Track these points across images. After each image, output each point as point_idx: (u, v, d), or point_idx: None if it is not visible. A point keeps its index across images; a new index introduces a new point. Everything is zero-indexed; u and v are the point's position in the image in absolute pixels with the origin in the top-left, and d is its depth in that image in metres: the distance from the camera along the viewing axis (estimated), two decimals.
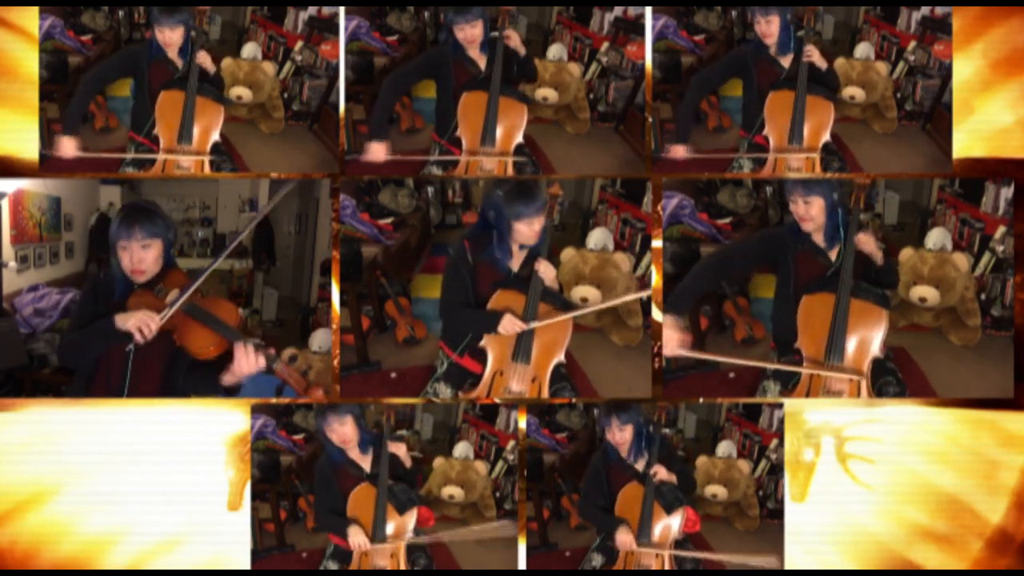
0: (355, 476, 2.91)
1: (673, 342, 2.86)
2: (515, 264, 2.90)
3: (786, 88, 2.99)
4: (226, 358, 2.72)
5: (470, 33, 2.98)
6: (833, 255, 2.86)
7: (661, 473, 2.90)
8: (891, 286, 2.88)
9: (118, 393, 2.77)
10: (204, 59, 3.00)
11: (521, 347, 2.85)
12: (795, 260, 2.87)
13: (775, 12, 2.97)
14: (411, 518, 2.91)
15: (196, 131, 2.99)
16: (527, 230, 2.84)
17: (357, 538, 2.88)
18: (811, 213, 2.84)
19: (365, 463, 2.92)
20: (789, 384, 2.86)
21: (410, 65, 3.01)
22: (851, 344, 2.82)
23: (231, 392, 2.74)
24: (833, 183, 2.85)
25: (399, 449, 2.92)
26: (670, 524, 2.90)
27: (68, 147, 2.96)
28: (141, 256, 2.78)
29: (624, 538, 2.90)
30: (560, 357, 2.87)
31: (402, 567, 2.89)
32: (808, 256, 2.87)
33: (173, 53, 3.01)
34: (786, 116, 2.98)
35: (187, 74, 3.00)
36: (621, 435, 2.91)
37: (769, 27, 2.98)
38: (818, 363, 2.84)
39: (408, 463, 2.93)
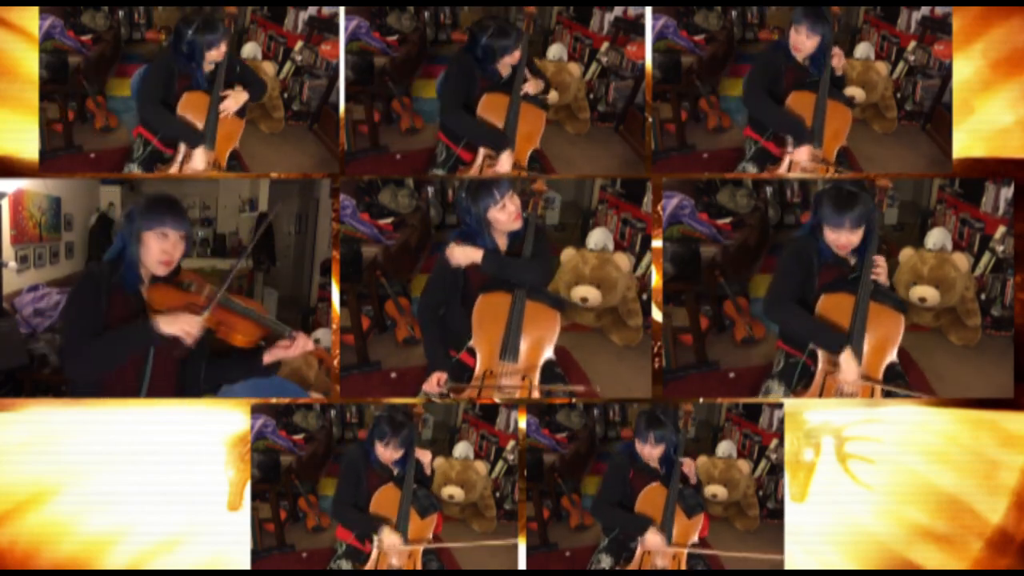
0: (382, 476, 2.92)
1: (852, 374, 2.80)
2: None
3: (808, 90, 2.97)
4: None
5: (508, 61, 2.97)
6: (852, 260, 2.83)
7: (688, 466, 2.91)
8: None
9: (135, 393, 2.73)
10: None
11: (508, 345, 2.85)
12: (820, 269, 2.83)
13: (819, 31, 2.93)
14: (432, 523, 2.91)
15: (218, 138, 2.97)
16: (503, 216, 2.84)
17: (391, 538, 2.88)
18: (852, 240, 2.78)
19: (394, 465, 2.93)
20: (794, 384, 2.86)
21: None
22: (867, 346, 2.81)
23: (271, 370, 2.83)
24: (871, 207, 2.78)
25: (424, 456, 2.93)
26: (689, 527, 2.90)
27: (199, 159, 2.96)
28: (178, 248, 2.70)
29: (654, 538, 2.89)
30: (549, 353, 2.87)
31: (418, 568, 2.90)
32: (830, 266, 2.83)
33: (208, 66, 2.97)
34: (806, 117, 2.96)
35: (213, 79, 2.96)
36: (651, 451, 2.90)
37: (808, 43, 2.94)
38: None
39: (429, 471, 2.94)
